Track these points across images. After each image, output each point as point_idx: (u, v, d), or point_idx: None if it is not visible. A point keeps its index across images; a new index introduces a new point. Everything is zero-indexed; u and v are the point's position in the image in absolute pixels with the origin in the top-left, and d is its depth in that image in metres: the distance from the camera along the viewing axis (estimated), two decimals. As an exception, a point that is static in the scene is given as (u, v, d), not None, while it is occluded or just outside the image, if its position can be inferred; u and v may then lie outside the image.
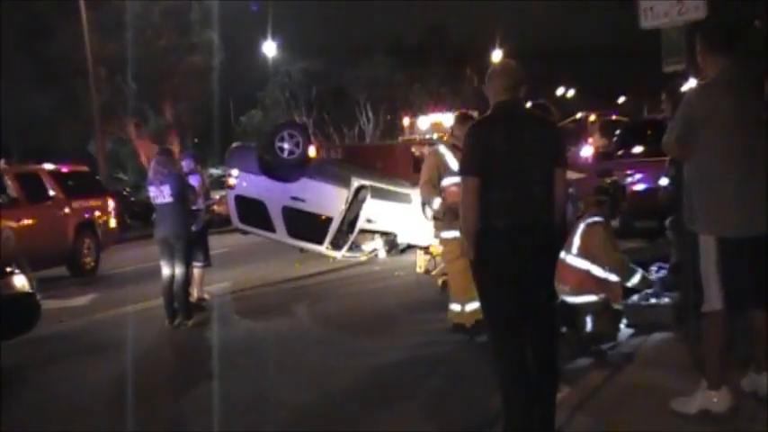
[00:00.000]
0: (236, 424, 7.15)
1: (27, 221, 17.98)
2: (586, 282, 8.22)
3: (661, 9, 9.25)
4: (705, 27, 6.00)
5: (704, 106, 5.69)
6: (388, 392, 7.76)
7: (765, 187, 5.53)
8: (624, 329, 8.48)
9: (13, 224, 17.41)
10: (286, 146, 13.67)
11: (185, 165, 12.68)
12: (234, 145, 16.22)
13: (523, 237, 5.41)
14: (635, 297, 8.88)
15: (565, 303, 8.37)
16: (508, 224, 5.39)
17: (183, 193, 11.72)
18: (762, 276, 5.61)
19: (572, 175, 9.49)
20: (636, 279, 8.40)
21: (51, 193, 19.14)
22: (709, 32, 6.02)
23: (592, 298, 8.20)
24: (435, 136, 23.91)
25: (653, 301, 8.84)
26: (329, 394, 7.90)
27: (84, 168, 23.39)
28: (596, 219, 8.43)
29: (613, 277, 8.27)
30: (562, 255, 8.31)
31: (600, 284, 8.22)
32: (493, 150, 5.43)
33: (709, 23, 6.03)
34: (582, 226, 8.42)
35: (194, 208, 12.22)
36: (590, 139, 30.38)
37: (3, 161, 20.35)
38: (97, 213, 20.52)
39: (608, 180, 9.78)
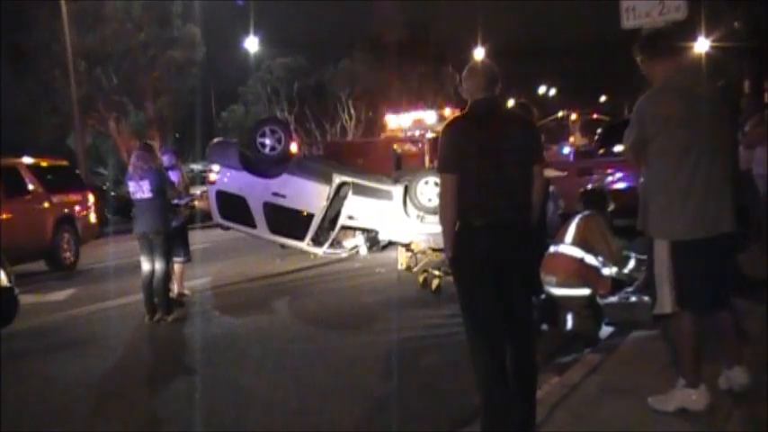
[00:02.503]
0: (215, 420, 7.14)
1: (5, 215, 17.77)
2: (578, 270, 8.31)
3: (643, 9, 9.38)
4: (644, 37, 6.03)
5: (654, 112, 5.74)
6: (365, 389, 7.78)
7: (718, 188, 5.60)
8: (604, 327, 8.54)
9: None
10: (267, 142, 13.66)
11: (166, 160, 12.66)
12: (215, 140, 16.17)
13: (502, 234, 5.44)
14: (614, 297, 8.94)
15: (547, 300, 8.47)
16: (486, 222, 5.42)
17: (162, 188, 11.69)
18: (715, 278, 5.69)
19: (551, 173, 9.58)
20: (631, 265, 8.53)
21: (30, 187, 19.01)
22: (648, 41, 6.08)
23: (578, 291, 8.29)
24: (417, 132, 23.92)
25: (632, 299, 8.91)
26: (306, 390, 7.91)
27: (64, 162, 23.22)
28: (591, 212, 8.60)
29: (605, 269, 8.37)
30: (553, 247, 8.43)
31: (591, 274, 8.32)
32: (469, 148, 5.44)
33: (647, 32, 6.08)
34: (577, 219, 8.61)
35: (174, 203, 12.19)
36: (571, 138, 30.52)
37: None
38: (77, 208, 20.47)
39: (591, 186, 9.98)
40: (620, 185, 15.32)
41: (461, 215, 5.44)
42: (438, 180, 13.80)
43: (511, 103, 7.98)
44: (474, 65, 6.03)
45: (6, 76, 38.80)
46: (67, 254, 19.47)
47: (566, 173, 10.26)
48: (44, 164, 20.76)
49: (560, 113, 44.78)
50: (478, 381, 5.51)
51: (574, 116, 41.28)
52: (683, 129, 5.61)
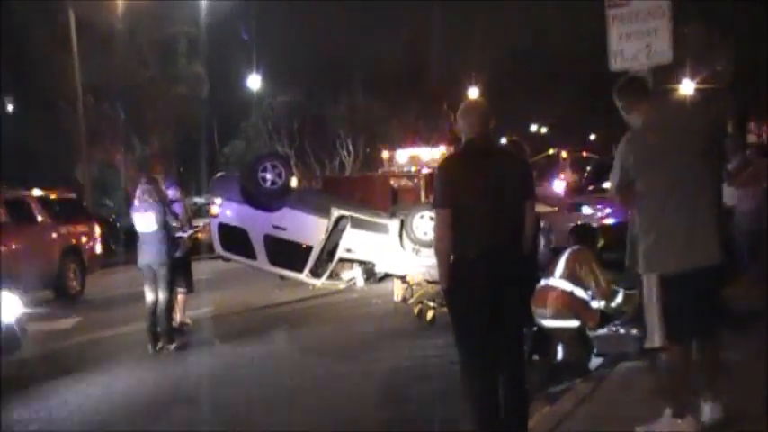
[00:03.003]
0: None
1: (14, 246, 17.90)
2: (568, 303, 8.30)
3: (630, 53, 9.42)
4: (620, 83, 6.08)
5: (635, 154, 5.76)
6: (357, 418, 7.75)
7: (704, 223, 5.59)
8: (593, 358, 8.52)
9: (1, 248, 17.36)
10: (268, 176, 13.63)
11: (170, 193, 12.65)
12: (218, 174, 16.24)
13: (494, 266, 5.45)
14: (603, 329, 8.93)
15: (539, 331, 8.46)
16: (479, 254, 5.43)
17: (166, 221, 11.69)
18: (701, 310, 5.66)
19: (543, 208, 9.60)
20: (619, 299, 8.50)
21: (39, 218, 19.10)
22: (625, 87, 6.10)
23: (568, 323, 8.27)
24: (413, 168, 23.96)
25: (621, 331, 8.90)
26: (303, 417, 7.91)
27: (71, 195, 23.36)
28: (581, 247, 8.60)
29: (594, 302, 8.36)
30: (544, 280, 8.43)
31: (580, 306, 8.30)
32: (464, 185, 5.48)
33: (623, 79, 6.14)
34: (567, 253, 8.58)
35: (177, 235, 12.18)
36: (562, 175, 30.57)
37: None
38: (83, 239, 20.50)
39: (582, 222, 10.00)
40: (610, 221, 15.35)
41: (456, 248, 5.45)
42: (433, 214, 13.78)
43: (503, 140, 8.06)
44: (468, 103, 6.07)
45: (17, 111, 38.97)
46: (73, 283, 19.43)
47: (556, 208, 10.29)
48: (52, 196, 20.81)
49: (551, 151, 44.90)
50: (471, 410, 5.49)
51: (564, 153, 41.38)
52: (666, 168, 5.63)
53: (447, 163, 5.73)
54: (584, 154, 39.56)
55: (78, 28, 31.47)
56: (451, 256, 5.50)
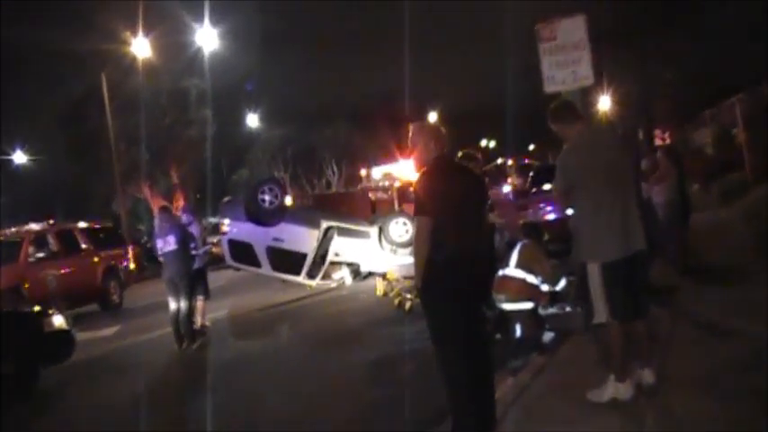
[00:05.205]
0: (234, 421, 7.17)
1: (65, 270, 18.01)
2: (522, 289, 8.12)
3: (560, 77, 9.35)
4: (552, 109, 5.95)
5: (573, 165, 5.70)
6: (354, 394, 7.63)
7: (631, 217, 5.57)
8: (546, 334, 8.31)
9: (54, 272, 17.55)
10: (267, 197, 13.42)
11: (185, 218, 12.37)
12: (225, 199, 16.10)
13: (466, 266, 5.22)
14: (553, 309, 8.77)
15: (499, 314, 8.29)
16: (453, 256, 5.18)
17: (185, 239, 11.53)
18: (636, 290, 5.62)
19: (495, 219, 9.53)
20: (562, 283, 8.36)
21: (83, 246, 19.25)
22: (557, 110, 5.96)
23: (524, 305, 8.09)
24: (386, 183, 23.73)
25: (567, 309, 8.79)
26: (306, 397, 7.86)
27: (109, 224, 23.49)
28: (530, 240, 8.46)
29: (544, 286, 8.19)
30: (501, 271, 8.25)
31: (532, 291, 8.14)
32: (442, 195, 5.22)
33: (554, 105, 6.04)
34: (519, 246, 8.44)
35: (194, 253, 11.94)
36: (509, 179, 30.47)
37: (46, 222, 20.01)
38: (120, 259, 20.68)
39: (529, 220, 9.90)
40: (550, 216, 15.18)
41: (435, 249, 5.19)
42: (405, 220, 13.56)
43: (459, 153, 8.06)
44: (429, 126, 5.86)
45: (64, 159, 39.60)
46: (114, 296, 19.57)
47: (504, 220, 10.19)
48: (94, 226, 21.13)
49: (500, 160, 44.86)
50: (449, 384, 5.22)
51: (510, 162, 41.27)
52: (599, 174, 5.56)
53: (430, 176, 5.44)
54: (527, 161, 39.52)
55: (109, 87, 31.85)
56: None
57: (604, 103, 37.82)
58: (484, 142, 69.55)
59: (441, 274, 5.18)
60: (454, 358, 5.23)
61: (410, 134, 5.57)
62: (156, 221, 11.80)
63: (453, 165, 5.77)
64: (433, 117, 49.99)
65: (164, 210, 11.97)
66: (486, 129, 65.89)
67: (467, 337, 5.24)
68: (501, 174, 35.13)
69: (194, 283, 11.76)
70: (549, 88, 9.42)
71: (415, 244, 5.34)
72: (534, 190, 19.09)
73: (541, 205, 15.80)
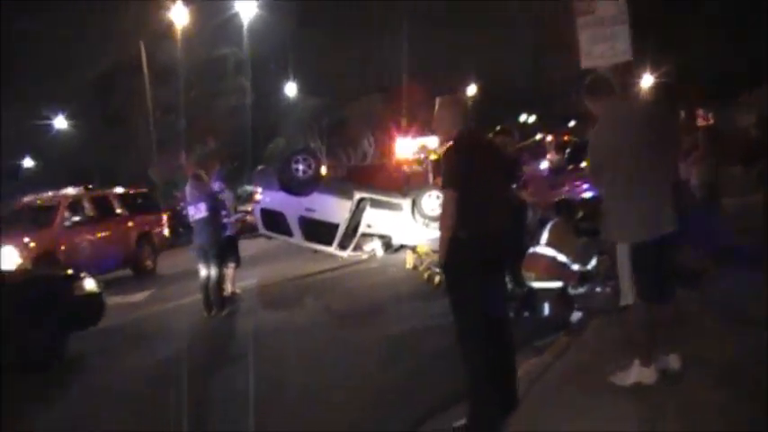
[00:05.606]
0: (260, 389, 7.08)
1: (100, 234, 18.23)
2: (551, 268, 8.08)
3: (597, 52, 9.17)
4: (587, 83, 5.84)
5: (602, 142, 5.62)
6: (370, 371, 7.62)
7: (662, 196, 5.41)
8: (574, 313, 8.24)
9: (89, 237, 17.76)
10: (301, 167, 13.41)
11: (217, 186, 12.40)
12: (258, 168, 16.13)
13: (489, 242, 5.19)
14: (582, 288, 8.67)
15: (528, 292, 8.25)
16: (478, 232, 5.15)
17: (215, 207, 11.59)
18: (665, 272, 5.51)
19: (528, 197, 9.40)
20: (593, 262, 8.30)
21: (118, 210, 19.47)
22: (590, 85, 5.89)
23: (552, 284, 8.06)
24: (422, 155, 23.62)
25: (597, 289, 8.68)
26: (331, 371, 7.84)
27: (144, 190, 23.52)
28: (562, 218, 8.38)
29: (574, 265, 8.11)
30: (532, 248, 8.20)
31: (561, 270, 8.09)
32: (468, 170, 5.19)
33: (588, 78, 5.92)
34: (550, 224, 8.43)
35: (225, 221, 12.00)
36: (548, 156, 30.13)
37: (82, 187, 20.15)
38: (154, 225, 20.83)
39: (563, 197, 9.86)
40: (587, 195, 15.01)
41: (459, 225, 5.15)
42: (439, 194, 13.54)
43: (497, 127, 8.07)
44: (454, 100, 5.78)
45: (102, 126, 40.16)
46: (148, 262, 19.73)
47: (536, 198, 10.04)
48: (130, 192, 21.25)
49: (538, 136, 44.38)
50: (470, 361, 5.21)
51: (549, 138, 40.82)
52: (630, 153, 5.41)
53: (457, 149, 5.38)
54: (566, 138, 39.10)
55: (147, 56, 32.25)
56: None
57: (645, 82, 37.26)
58: (523, 117, 68.89)
59: (464, 250, 5.15)
60: (474, 335, 5.21)
61: (436, 108, 5.51)
62: (188, 189, 11.83)
63: (479, 139, 5.69)
64: (471, 91, 49.59)
65: (195, 177, 12.00)
66: (526, 104, 65.24)
67: (487, 314, 5.21)
68: (540, 150, 34.79)
69: (225, 250, 11.83)
70: (587, 63, 9.24)
71: (441, 217, 5.31)
72: (571, 167, 18.91)
73: (578, 183, 15.64)
